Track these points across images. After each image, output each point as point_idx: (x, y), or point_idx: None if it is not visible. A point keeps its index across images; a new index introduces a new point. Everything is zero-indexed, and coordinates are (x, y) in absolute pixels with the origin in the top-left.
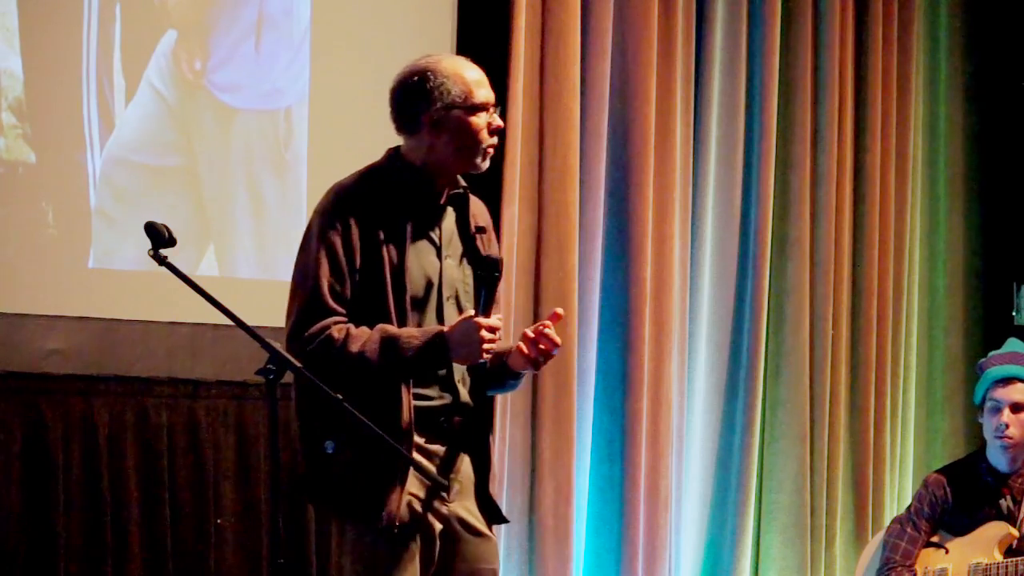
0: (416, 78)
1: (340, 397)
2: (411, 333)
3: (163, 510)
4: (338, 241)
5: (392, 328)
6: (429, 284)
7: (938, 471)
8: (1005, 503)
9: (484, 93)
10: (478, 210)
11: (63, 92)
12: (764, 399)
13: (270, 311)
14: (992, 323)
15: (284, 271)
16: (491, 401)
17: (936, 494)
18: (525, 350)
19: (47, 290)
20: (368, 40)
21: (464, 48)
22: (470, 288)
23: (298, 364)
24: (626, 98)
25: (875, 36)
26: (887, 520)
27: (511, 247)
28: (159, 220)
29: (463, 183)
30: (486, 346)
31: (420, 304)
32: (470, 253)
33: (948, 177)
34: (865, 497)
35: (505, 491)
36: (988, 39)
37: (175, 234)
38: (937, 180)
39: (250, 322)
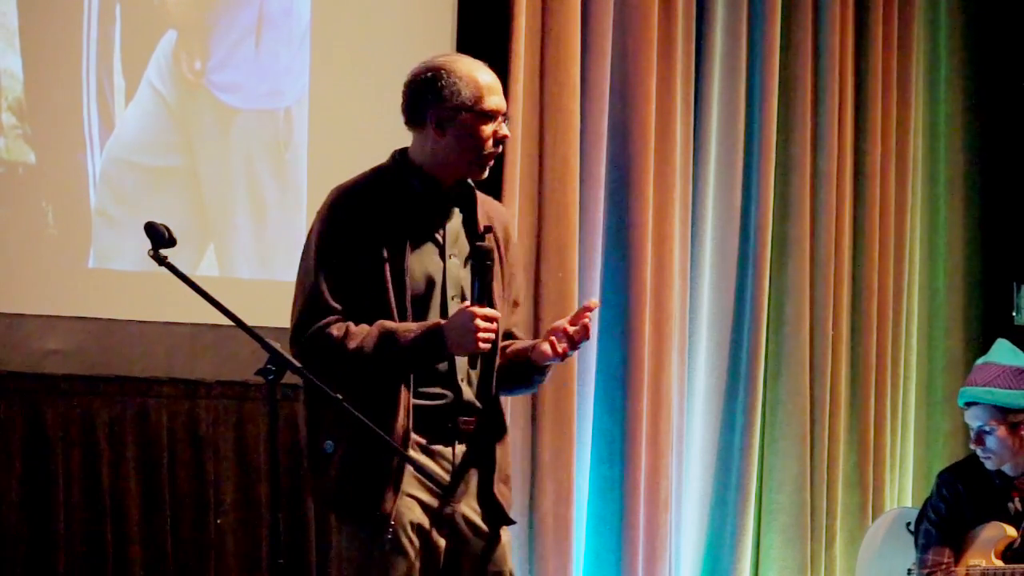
0: (430, 74)
1: (340, 397)
2: (408, 327)
3: (163, 510)
4: (339, 241)
5: (390, 323)
6: (431, 283)
7: (948, 469)
8: (1013, 505)
9: (495, 100)
10: (492, 210)
11: (63, 92)
12: (764, 399)
13: (270, 311)
14: (992, 323)
15: (284, 271)
16: (498, 401)
17: (950, 494)
18: (558, 348)
19: (47, 290)
20: (368, 40)
21: (464, 48)
22: (445, 285)
23: (298, 364)
24: (626, 98)
25: (875, 37)
26: None
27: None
28: (159, 220)
29: (469, 183)
30: (482, 335)
31: (423, 303)
32: (474, 254)
33: (948, 177)
34: (865, 497)
35: None
36: (988, 40)
37: (175, 234)
38: (937, 180)
39: (250, 322)
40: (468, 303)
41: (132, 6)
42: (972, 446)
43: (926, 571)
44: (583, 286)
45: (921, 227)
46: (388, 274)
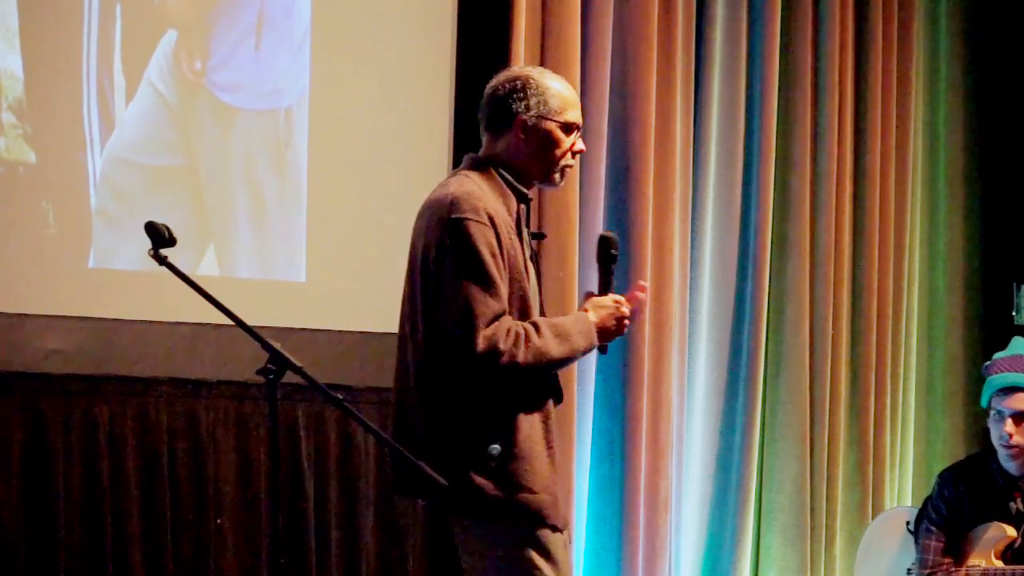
0: (519, 82)
1: (340, 397)
2: (565, 321)
3: (163, 510)
4: (495, 244)
5: (550, 320)
6: (532, 283)
7: (950, 469)
8: (1015, 505)
9: (575, 114)
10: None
11: (63, 92)
12: (764, 399)
13: (270, 311)
14: (992, 323)
15: (284, 271)
16: None
17: (951, 494)
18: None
19: (47, 290)
20: (368, 40)
21: (464, 48)
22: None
23: (298, 364)
24: (626, 98)
25: (875, 36)
26: None
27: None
28: (159, 220)
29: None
30: (625, 323)
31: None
32: (534, 254)
33: (948, 177)
34: (865, 497)
35: None
36: (988, 40)
37: (175, 234)
38: (937, 180)
39: (250, 322)
40: (595, 294)
41: (132, 6)
42: (1003, 432)
43: (926, 571)
44: (583, 286)
45: (921, 227)
46: (525, 273)
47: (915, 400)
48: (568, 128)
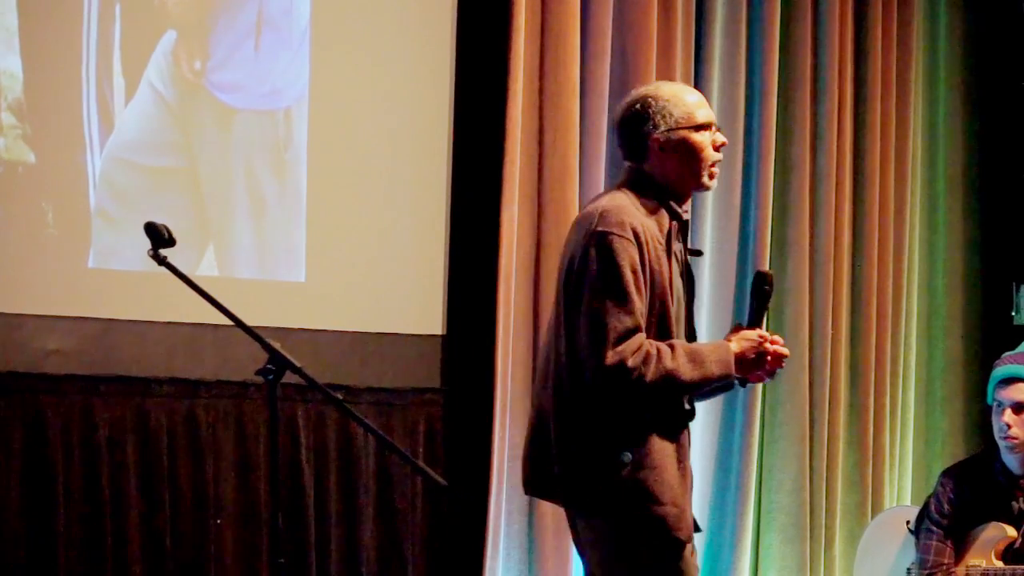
0: (638, 105)
1: (340, 397)
2: (706, 348)
3: (163, 510)
4: (637, 260)
5: (687, 344)
6: (679, 304)
7: (952, 468)
8: (1017, 504)
9: (704, 113)
10: None
11: (63, 92)
12: (763, 399)
13: (269, 311)
14: (991, 323)
15: (284, 271)
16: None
17: (952, 493)
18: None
19: (47, 290)
20: (368, 40)
21: (463, 48)
22: (684, 303)
23: (298, 364)
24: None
25: (875, 36)
26: None
27: (511, 248)
28: (159, 220)
29: (687, 209)
30: (770, 367)
31: (677, 321)
32: (686, 271)
33: (948, 177)
34: (864, 497)
35: (504, 490)
36: (987, 39)
37: (175, 234)
38: (936, 180)
39: (249, 322)
40: (751, 328)
41: (132, 6)
42: (1002, 422)
43: (926, 571)
44: None
45: (920, 227)
46: (669, 297)
47: (914, 399)
48: (701, 128)
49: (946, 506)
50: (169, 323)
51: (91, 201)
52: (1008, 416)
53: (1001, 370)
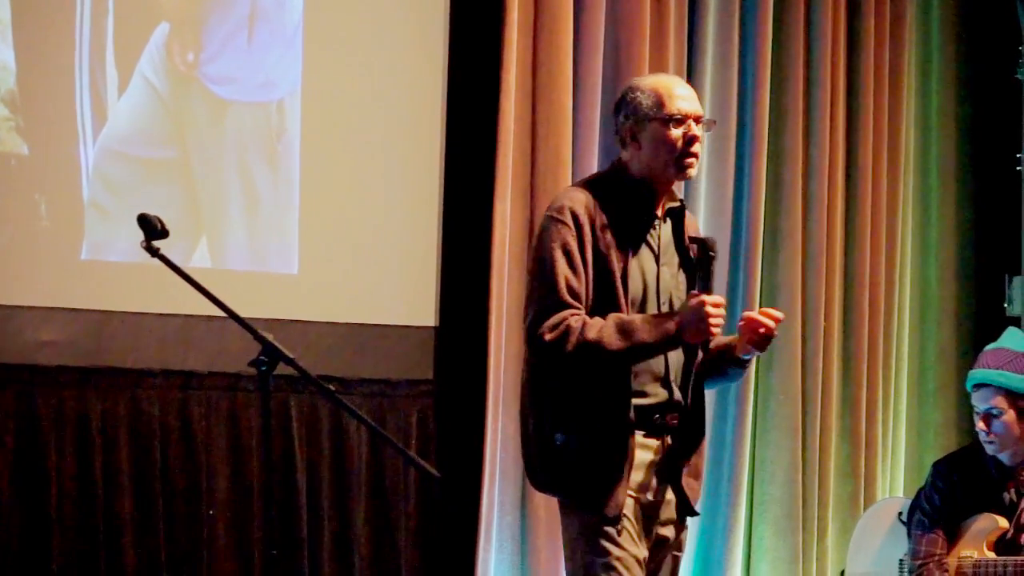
0: (620, 95)
1: (332, 388)
2: (643, 317)
3: (156, 501)
4: (572, 242)
5: (625, 315)
6: (647, 289)
7: (944, 459)
8: (1008, 496)
9: (680, 105)
10: (689, 222)
11: (56, 84)
12: (756, 391)
13: (262, 303)
14: (983, 315)
15: (277, 263)
16: (703, 402)
17: (944, 485)
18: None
19: (40, 282)
20: (360, 33)
21: (456, 41)
22: (683, 296)
23: (291, 355)
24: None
25: (867, 29)
26: None
27: (503, 241)
28: (152, 212)
29: (679, 198)
30: (713, 321)
31: (640, 308)
32: (685, 263)
33: (940, 170)
34: (857, 488)
35: (497, 481)
36: (980, 32)
37: (167, 226)
38: (929, 173)
39: (242, 313)
40: (697, 292)
41: None
42: (978, 428)
43: (918, 562)
44: None
45: (913, 219)
46: (616, 278)
47: (907, 391)
48: (670, 121)
49: (938, 497)
50: (162, 315)
51: (84, 193)
52: (980, 423)
53: (970, 376)
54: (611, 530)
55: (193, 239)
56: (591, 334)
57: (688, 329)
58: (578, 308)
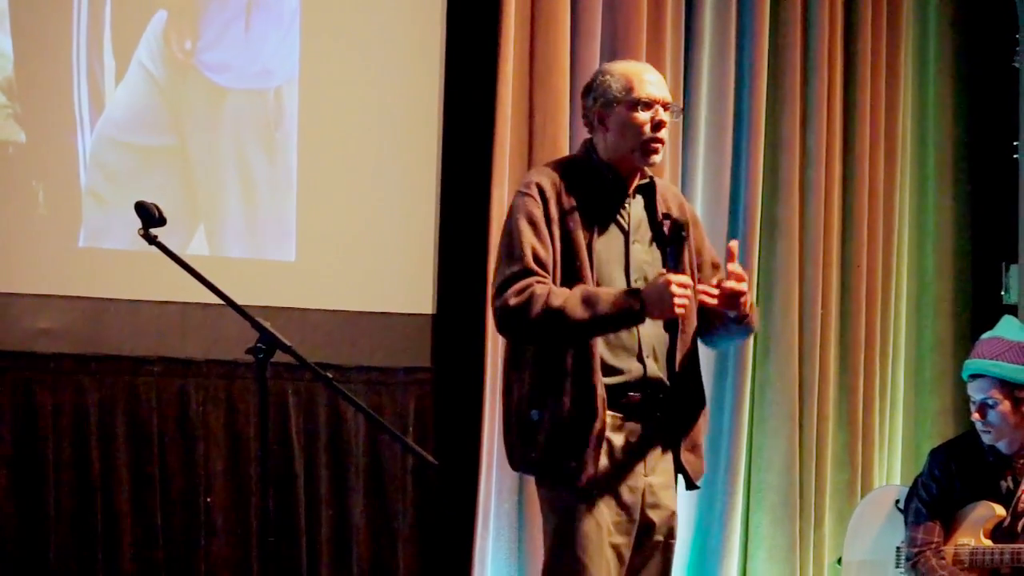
0: (590, 79)
1: (329, 376)
2: (608, 291)
3: (153, 488)
4: (538, 213)
5: (591, 287)
6: (616, 267)
7: (941, 447)
8: (1006, 484)
9: (648, 90)
10: (668, 194)
11: (53, 72)
12: (753, 379)
13: (260, 290)
14: (981, 303)
15: (274, 250)
16: (697, 377)
17: (941, 473)
18: (716, 303)
19: (37, 270)
20: (358, 21)
21: (454, 30)
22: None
23: (288, 343)
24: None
25: (864, 16)
26: None
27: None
28: (149, 200)
29: (649, 174)
30: (678, 300)
31: (609, 285)
32: (658, 238)
33: (937, 157)
34: (854, 476)
35: (494, 469)
36: (977, 19)
37: (165, 213)
38: (926, 161)
39: (240, 301)
40: (664, 271)
41: None
42: (973, 418)
43: (915, 549)
44: None
45: (910, 208)
46: (583, 256)
47: (904, 380)
48: (638, 105)
49: (935, 486)
50: (159, 302)
51: (82, 180)
52: (975, 414)
53: (965, 366)
54: (582, 506)
55: (191, 227)
56: (556, 301)
57: (652, 307)
58: (544, 276)
